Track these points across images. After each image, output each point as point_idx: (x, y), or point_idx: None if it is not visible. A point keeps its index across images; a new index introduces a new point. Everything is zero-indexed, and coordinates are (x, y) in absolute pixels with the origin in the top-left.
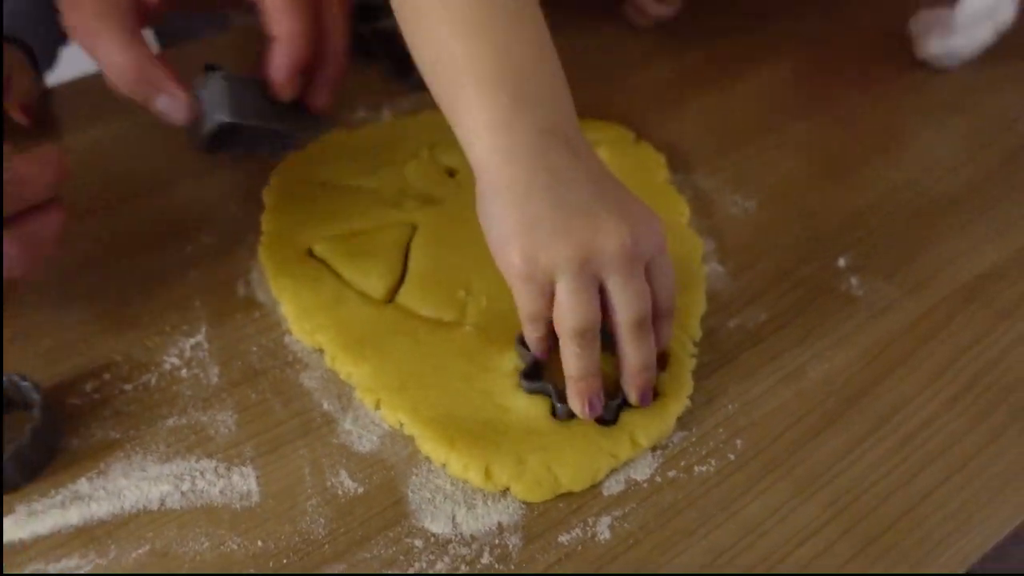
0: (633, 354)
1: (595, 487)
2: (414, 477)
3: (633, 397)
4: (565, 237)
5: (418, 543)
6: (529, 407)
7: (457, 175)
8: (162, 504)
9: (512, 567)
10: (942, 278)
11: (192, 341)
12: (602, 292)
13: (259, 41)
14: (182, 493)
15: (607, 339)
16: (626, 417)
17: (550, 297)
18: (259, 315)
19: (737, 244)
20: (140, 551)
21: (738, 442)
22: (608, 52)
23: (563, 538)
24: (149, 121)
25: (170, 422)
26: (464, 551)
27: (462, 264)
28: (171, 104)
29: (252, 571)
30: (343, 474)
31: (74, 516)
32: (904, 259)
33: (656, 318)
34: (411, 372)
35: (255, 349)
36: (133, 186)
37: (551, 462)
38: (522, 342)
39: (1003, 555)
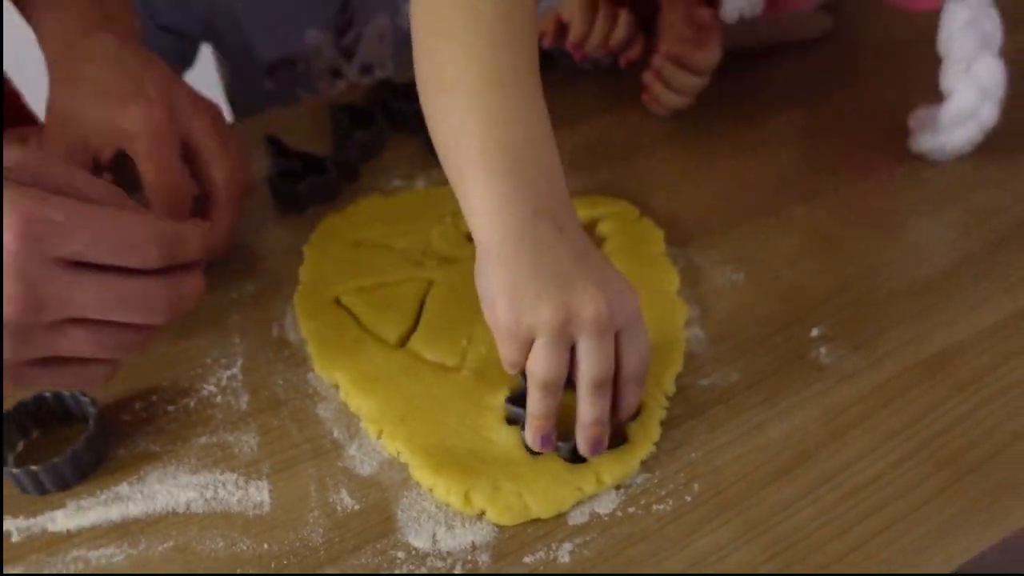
0: (587, 410)
1: (561, 516)
2: (404, 499)
3: (582, 447)
4: (546, 302)
5: (400, 555)
6: (509, 441)
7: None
8: (187, 508)
9: None
10: (906, 352)
11: (228, 373)
12: (574, 350)
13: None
14: (205, 500)
15: None
16: (595, 457)
17: (528, 349)
18: (288, 353)
19: (720, 312)
20: (165, 546)
21: (695, 486)
22: (627, 135)
23: (528, 559)
24: None
25: (202, 440)
26: (439, 564)
27: (467, 317)
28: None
29: (257, 570)
30: (343, 492)
31: (114, 513)
32: (873, 333)
33: (623, 382)
34: (411, 408)
35: (281, 382)
36: None
37: (523, 491)
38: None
39: None
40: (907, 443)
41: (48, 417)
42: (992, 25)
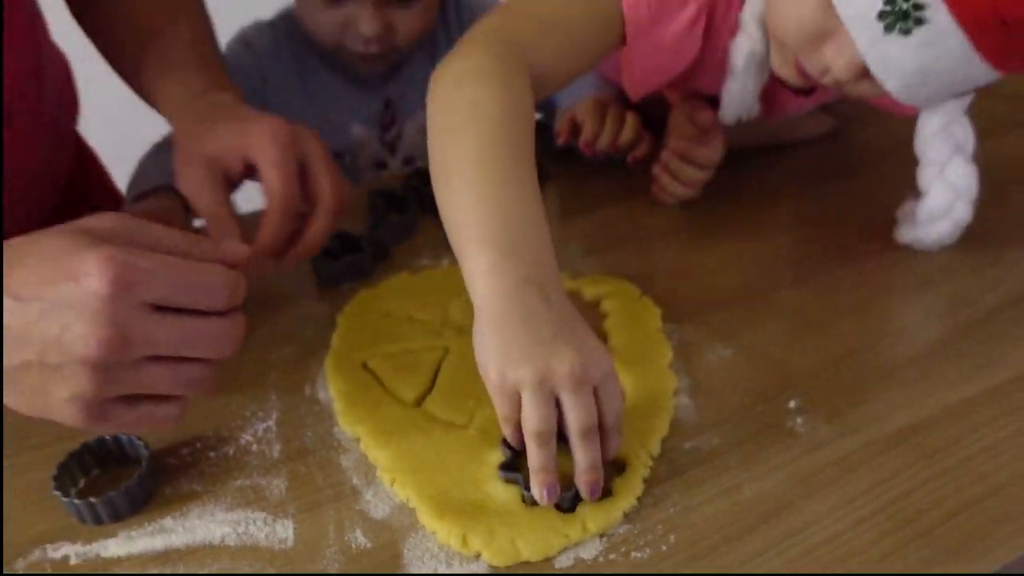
0: (582, 456)
1: (549, 559)
2: (411, 539)
3: (583, 491)
4: (528, 360)
5: None
6: (505, 493)
7: None
8: (222, 540)
9: None
10: (875, 425)
11: (264, 425)
12: (560, 406)
13: None
14: (238, 534)
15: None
16: (582, 508)
17: (518, 404)
18: (317, 409)
19: (707, 383)
20: (201, 572)
21: (672, 537)
22: (635, 222)
23: None
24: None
25: (238, 482)
26: None
27: (477, 381)
28: (231, 243)
29: None
30: (358, 532)
31: (159, 543)
32: (846, 406)
33: (604, 432)
34: (422, 461)
35: (310, 434)
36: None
37: (515, 536)
38: (505, 443)
39: None
40: (868, 505)
41: (107, 458)
42: (964, 132)
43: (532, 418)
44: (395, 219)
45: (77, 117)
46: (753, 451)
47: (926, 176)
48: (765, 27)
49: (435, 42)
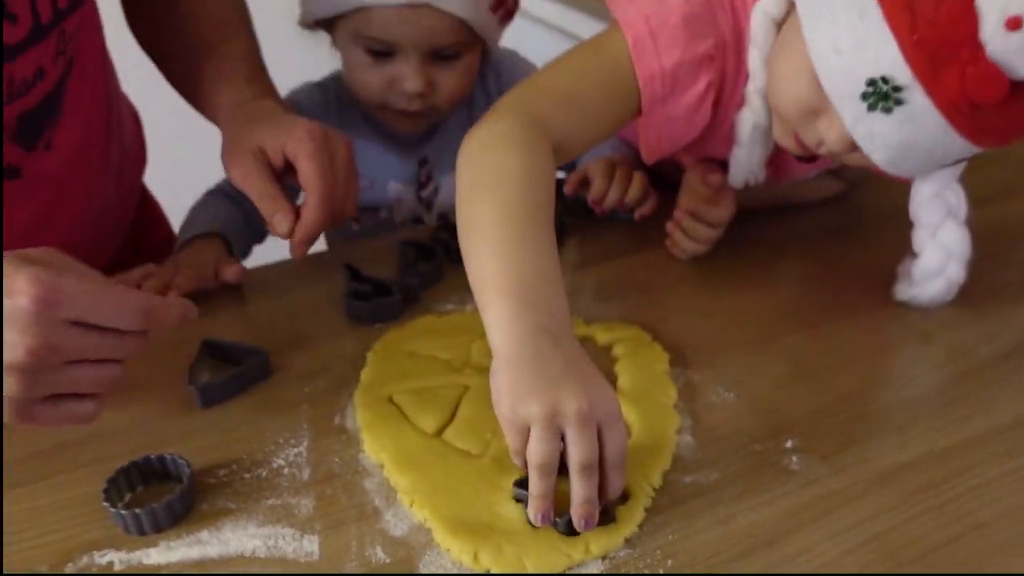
0: (578, 490)
1: None
2: (427, 556)
3: (576, 522)
4: (538, 398)
5: None
6: (514, 515)
7: None
8: (253, 553)
9: None
10: (867, 464)
11: (295, 450)
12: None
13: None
14: (267, 548)
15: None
16: (586, 532)
17: (527, 437)
18: (345, 437)
19: (709, 423)
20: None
21: (669, 562)
22: (649, 273)
23: None
24: (310, 302)
25: (270, 501)
26: None
27: (493, 416)
28: (281, 219)
29: None
30: (378, 548)
31: (195, 553)
32: (840, 447)
33: (608, 469)
34: (439, 485)
35: (337, 460)
36: (290, 342)
37: (522, 555)
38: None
39: None
40: (855, 538)
41: (151, 476)
42: (956, 198)
43: (537, 452)
44: (423, 267)
45: (144, 169)
46: (749, 485)
47: (920, 238)
48: (768, 101)
49: (471, 107)
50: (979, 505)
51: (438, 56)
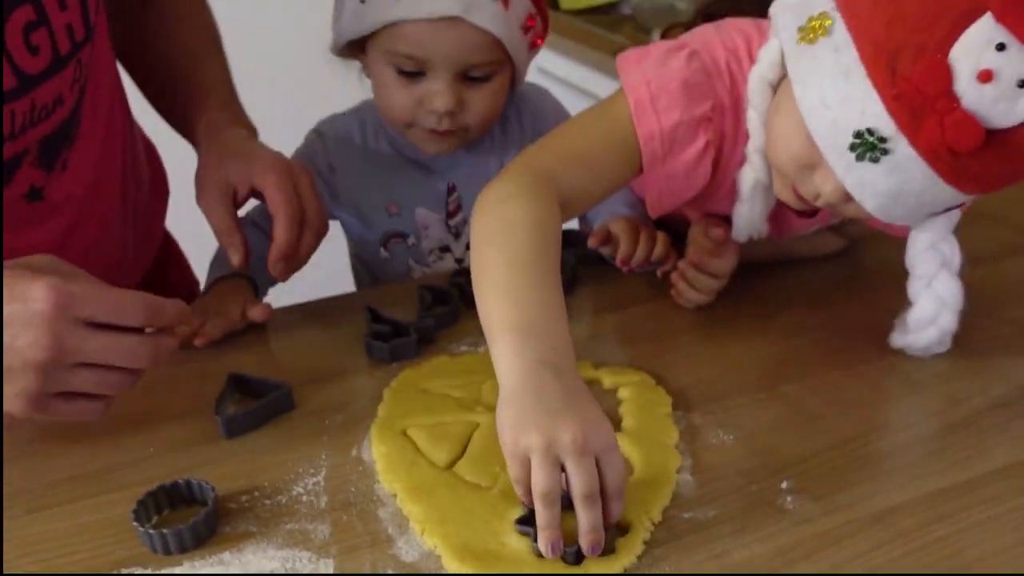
0: (584, 518)
1: None
2: None
3: (585, 549)
4: (537, 428)
5: None
6: (519, 545)
7: None
8: (272, 573)
9: None
10: (859, 505)
11: (314, 480)
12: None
13: None
14: (285, 569)
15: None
16: (588, 561)
17: (528, 468)
18: (361, 468)
19: (708, 463)
20: None
21: None
22: (657, 321)
23: None
24: (332, 341)
25: (288, 526)
26: None
27: (501, 451)
28: (234, 253)
29: None
30: (390, 572)
31: (217, 572)
32: (833, 489)
33: (607, 497)
34: (448, 516)
35: (353, 489)
36: (312, 378)
37: None
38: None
39: None
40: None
41: (178, 500)
42: (951, 249)
43: (539, 481)
44: (439, 311)
45: (165, 213)
46: (745, 523)
47: (915, 287)
48: (767, 158)
49: (496, 136)
50: (964, 547)
51: (468, 77)
